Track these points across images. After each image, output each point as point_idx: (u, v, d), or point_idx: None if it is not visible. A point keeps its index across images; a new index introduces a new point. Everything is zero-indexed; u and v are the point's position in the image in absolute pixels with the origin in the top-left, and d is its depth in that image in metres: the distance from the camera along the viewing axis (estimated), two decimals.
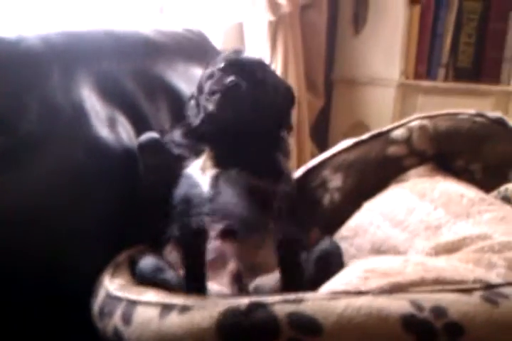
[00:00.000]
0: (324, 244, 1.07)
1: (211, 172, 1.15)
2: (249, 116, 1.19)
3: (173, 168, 1.17)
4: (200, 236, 0.98)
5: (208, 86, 1.22)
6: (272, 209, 1.11)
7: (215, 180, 1.13)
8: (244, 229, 1.05)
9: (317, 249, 1.05)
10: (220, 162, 1.17)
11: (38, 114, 1.14)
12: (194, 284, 0.95)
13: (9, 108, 1.12)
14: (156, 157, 1.20)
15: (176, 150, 1.21)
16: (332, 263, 1.01)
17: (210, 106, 1.18)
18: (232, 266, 1.02)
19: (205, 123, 1.21)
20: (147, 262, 1.04)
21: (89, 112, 1.22)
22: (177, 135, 1.25)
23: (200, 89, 1.26)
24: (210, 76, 1.24)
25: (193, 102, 1.28)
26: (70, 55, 1.27)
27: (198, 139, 1.21)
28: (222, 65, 1.23)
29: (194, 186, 1.13)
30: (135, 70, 1.39)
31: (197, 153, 1.19)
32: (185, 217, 1.05)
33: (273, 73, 1.30)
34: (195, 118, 1.24)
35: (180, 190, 1.13)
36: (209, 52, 1.64)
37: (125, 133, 1.27)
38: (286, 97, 1.30)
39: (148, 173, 1.20)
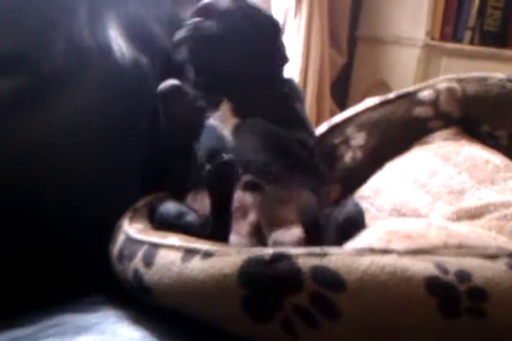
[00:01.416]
0: (348, 208, 1.04)
1: (232, 122, 1.14)
2: (235, 59, 1.16)
3: (194, 117, 1.15)
4: (231, 170, 0.96)
5: (176, 35, 1.19)
6: (295, 160, 1.10)
7: (236, 131, 1.12)
8: (266, 180, 1.04)
9: (340, 213, 1.02)
10: (239, 112, 1.15)
11: (64, 53, 1.12)
12: (220, 223, 0.94)
13: (34, 45, 1.09)
14: (179, 105, 1.17)
15: (194, 102, 1.19)
16: (356, 229, 0.98)
17: (186, 56, 1.16)
18: (252, 217, 1.01)
19: (197, 74, 1.18)
20: (168, 206, 1.04)
21: (116, 53, 1.20)
22: (189, 89, 1.22)
23: None
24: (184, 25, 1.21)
25: None
26: None
27: (209, 90, 1.18)
28: (193, 10, 1.20)
29: (216, 138, 1.12)
30: (162, 15, 1.35)
31: (214, 104, 1.17)
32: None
33: (247, 4, 1.22)
34: (190, 73, 1.22)
35: (203, 142, 1.12)
36: None
37: (149, 76, 1.24)
38: (272, 28, 1.24)
39: (170, 122, 1.17)
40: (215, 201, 0.97)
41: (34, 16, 1.11)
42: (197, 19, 1.16)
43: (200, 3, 1.22)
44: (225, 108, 1.17)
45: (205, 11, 1.19)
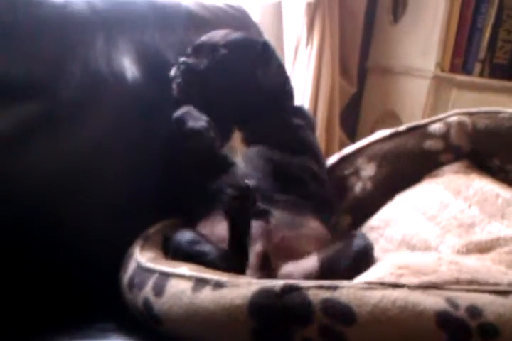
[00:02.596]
0: (358, 243, 1.03)
1: (243, 151, 1.16)
2: (225, 91, 1.19)
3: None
4: (247, 195, 0.95)
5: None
6: (303, 188, 1.10)
7: (249, 159, 1.13)
8: (273, 208, 1.04)
9: (350, 247, 1.02)
10: (249, 140, 1.17)
11: (80, 81, 1.14)
12: (238, 254, 0.94)
13: (50, 73, 1.12)
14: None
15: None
16: (366, 264, 0.98)
17: (177, 95, 1.19)
18: (258, 247, 1.01)
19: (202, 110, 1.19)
20: (184, 235, 1.04)
21: (130, 81, 1.21)
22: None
23: None
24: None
25: None
26: (114, 23, 1.26)
27: (217, 121, 1.18)
28: (188, 50, 1.24)
29: (229, 165, 1.13)
30: (176, 42, 1.37)
31: (225, 133, 1.18)
32: (221, 196, 1.06)
33: (241, 42, 1.25)
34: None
35: (215, 169, 1.13)
36: (250, 28, 1.63)
37: (163, 104, 1.25)
38: (261, 60, 1.24)
39: (186, 148, 1.17)
40: (235, 227, 0.96)
41: (51, 45, 1.13)
42: (182, 58, 1.19)
43: (196, 41, 1.26)
44: (235, 137, 1.18)
45: (198, 48, 1.23)
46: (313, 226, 1.10)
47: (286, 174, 1.13)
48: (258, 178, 1.10)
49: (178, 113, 1.19)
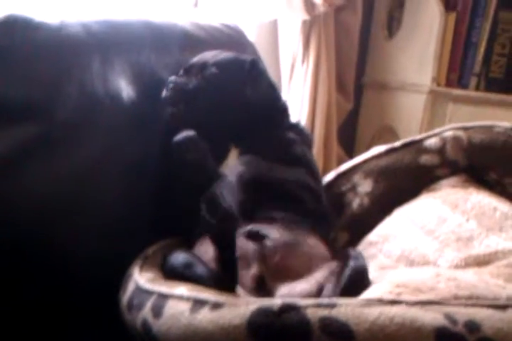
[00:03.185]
0: (352, 265, 1.01)
1: (242, 170, 1.16)
2: (216, 109, 1.20)
3: (208, 167, 1.16)
4: (228, 219, 0.95)
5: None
6: (301, 205, 1.10)
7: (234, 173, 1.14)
8: (270, 227, 1.04)
9: (345, 270, 1.00)
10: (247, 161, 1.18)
11: (76, 102, 1.15)
12: (227, 273, 0.94)
13: (47, 94, 1.12)
14: (193, 155, 1.16)
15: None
16: (361, 287, 0.97)
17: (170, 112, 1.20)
18: (254, 269, 1.00)
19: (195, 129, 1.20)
20: (177, 257, 1.04)
21: (126, 103, 1.22)
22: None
23: None
24: None
25: None
26: (110, 45, 1.27)
27: (216, 141, 1.19)
28: (180, 71, 1.25)
29: (226, 184, 1.13)
30: (172, 63, 1.38)
31: (222, 152, 1.20)
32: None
33: (229, 60, 1.26)
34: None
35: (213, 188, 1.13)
36: (246, 47, 1.64)
37: (159, 125, 1.26)
38: (249, 77, 1.25)
39: (185, 171, 1.17)
40: (219, 250, 0.97)
41: (47, 67, 1.14)
42: (172, 77, 1.20)
43: (189, 62, 1.27)
44: (232, 156, 1.20)
45: (188, 69, 1.24)
46: (311, 243, 1.09)
47: (283, 191, 1.13)
48: (254, 196, 1.10)
49: (178, 138, 1.18)
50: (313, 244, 1.10)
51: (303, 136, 1.28)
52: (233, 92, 1.23)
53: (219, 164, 1.18)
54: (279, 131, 1.25)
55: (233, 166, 1.17)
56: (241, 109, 1.23)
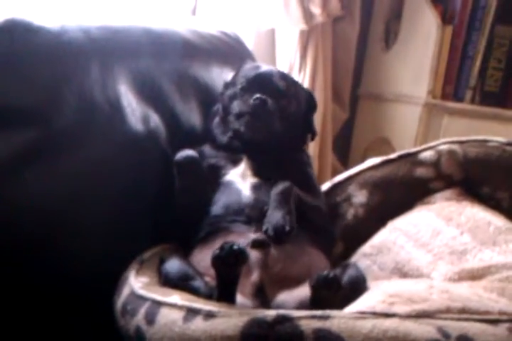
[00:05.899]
0: (351, 273, 1.04)
1: (251, 180, 1.18)
2: (278, 130, 1.22)
3: (206, 186, 1.17)
4: (239, 260, 0.93)
5: (234, 107, 1.24)
6: (305, 221, 1.11)
7: (256, 189, 1.15)
8: (277, 239, 1.04)
9: (345, 277, 1.01)
10: (258, 171, 1.20)
11: (75, 108, 1.15)
12: (225, 297, 0.93)
13: (46, 100, 1.12)
14: (192, 175, 1.18)
15: (212, 160, 1.22)
16: (358, 295, 0.98)
17: (242, 128, 1.21)
18: (255, 277, 1.01)
19: (234, 140, 1.23)
20: (174, 266, 1.04)
21: (125, 109, 1.23)
22: (207, 149, 1.26)
23: (225, 109, 1.28)
24: (233, 96, 1.26)
25: (217, 119, 1.30)
26: (109, 51, 1.28)
27: (231, 151, 1.23)
28: (243, 83, 1.25)
29: (235, 192, 1.15)
30: (171, 70, 1.39)
31: (234, 162, 1.22)
32: (221, 222, 1.08)
33: (293, 81, 1.32)
34: (221, 136, 1.26)
35: (220, 196, 1.15)
36: (244, 56, 1.65)
37: (158, 132, 1.27)
38: (309, 103, 1.32)
39: (183, 189, 1.18)
40: (221, 281, 0.95)
41: (47, 72, 1.14)
42: (261, 96, 1.19)
43: (253, 72, 1.27)
44: (244, 166, 1.21)
45: (260, 83, 1.24)
46: (314, 256, 1.10)
47: (299, 211, 1.13)
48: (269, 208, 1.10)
49: (179, 157, 1.20)
50: (315, 256, 1.11)
51: (308, 158, 1.33)
52: (298, 119, 1.29)
53: (228, 171, 1.20)
54: (296, 151, 1.30)
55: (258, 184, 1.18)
56: (292, 133, 1.27)
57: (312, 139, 1.35)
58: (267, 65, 1.39)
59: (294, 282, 1.01)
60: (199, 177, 1.18)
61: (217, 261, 0.92)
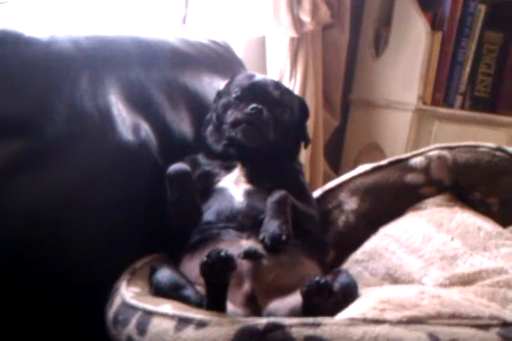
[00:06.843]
0: (342, 280, 1.04)
1: (245, 186, 1.19)
2: (272, 138, 1.23)
3: (196, 199, 1.17)
4: (227, 267, 0.93)
5: (228, 116, 1.24)
6: (299, 230, 1.11)
7: (249, 195, 1.16)
8: (274, 248, 1.05)
9: (336, 284, 1.01)
10: (252, 178, 1.20)
11: (66, 118, 1.15)
12: (215, 306, 0.93)
13: (37, 110, 1.13)
14: (184, 191, 1.18)
15: (206, 167, 1.22)
16: (350, 301, 0.98)
17: (238, 136, 1.21)
18: (246, 287, 1.01)
19: (228, 147, 1.24)
20: (164, 276, 1.04)
21: (116, 118, 1.23)
22: (201, 157, 1.27)
23: (218, 117, 1.28)
24: (228, 105, 1.27)
25: (211, 128, 1.30)
26: (99, 60, 1.28)
27: (225, 159, 1.24)
28: (238, 93, 1.25)
29: (227, 198, 1.15)
30: (161, 79, 1.39)
31: (228, 169, 1.22)
32: (213, 229, 1.08)
33: (286, 89, 1.32)
34: (216, 144, 1.27)
35: (212, 203, 1.15)
36: (234, 64, 1.65)
37: (148, 141, 1.27)
38: (302, 111, 1.34)
39: (174, 202, 1.17)
40: (210, 289, 0.95)
41: (37, 82, 1.14)
42: (257, 106, 1.21)
43: (247, 81, 1.28)
44: (238, 173, 1.21)
45: (254, 92, 1.25)
46: (307, 266, 1.10)
47: (295, 220, 1.13)
48: (262, 216, 1.11)
49: (171, 171, 1.20)
50: (309, 266, 1.11)
51: (301, 166, 1.34)
52: (291, 128, 1.30)
53: (221, 177, 1.20)
54: (289, 160, 1.31)
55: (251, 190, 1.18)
56: (285, 141, 1.28)
57: (305, 146, 1.36)
58: (258, 72, 1.40)
59: (286, 291, 1.01)
60: (190, 190, 1.18)
61: (205, 269, 0.93)
